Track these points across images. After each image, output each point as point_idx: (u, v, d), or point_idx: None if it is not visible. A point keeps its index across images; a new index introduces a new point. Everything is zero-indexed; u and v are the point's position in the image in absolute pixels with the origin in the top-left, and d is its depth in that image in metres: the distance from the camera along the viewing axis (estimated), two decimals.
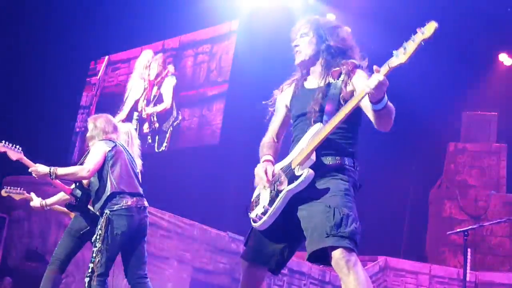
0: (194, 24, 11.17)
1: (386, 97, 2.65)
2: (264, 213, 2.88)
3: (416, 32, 2.50)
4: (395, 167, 9.97)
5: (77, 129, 12.56)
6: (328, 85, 2.95)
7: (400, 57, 2.53)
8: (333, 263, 2.67)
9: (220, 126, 10.21)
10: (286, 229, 2.89)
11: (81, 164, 4.49)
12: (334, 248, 2.65)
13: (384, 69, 2.57)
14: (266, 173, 2.90)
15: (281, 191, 2.84)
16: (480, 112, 10.32)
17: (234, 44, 10.57)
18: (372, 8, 9.31)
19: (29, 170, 4.36)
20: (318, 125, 2.86)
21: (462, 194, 9.81)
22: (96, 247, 4.19)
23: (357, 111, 2.90)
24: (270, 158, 3.03)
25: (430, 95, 9.29)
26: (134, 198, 4.39)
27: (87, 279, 4.17)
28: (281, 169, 2.92)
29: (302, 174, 2.77)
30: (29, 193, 5.12)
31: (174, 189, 9.63)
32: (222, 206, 9.81)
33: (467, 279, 5.66)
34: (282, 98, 3.18)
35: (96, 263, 4.15)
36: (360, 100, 2.66)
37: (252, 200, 3.04)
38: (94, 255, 4.18)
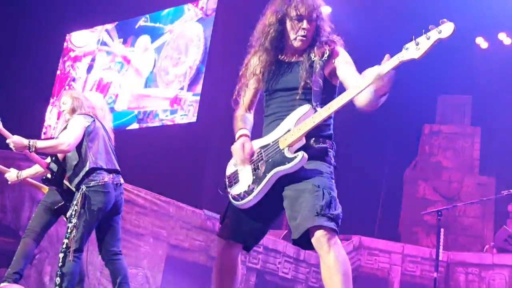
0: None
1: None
2: (249, 192, 2.85)
3: (429, 29, 2.47)
4: (371, 148, 10.05)
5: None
6: (312, 62, 2.92)
7: (412, 52, 2.50)
8: (314, 240, 2.68)
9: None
10: (264, 208, 2.88)
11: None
12: (319, 227, 2.66)
13: (393, 62, 2.54)
14: (243, 150, 2.87)
15: (269, 170, 2.81)
16: (455, 95, 10.43)
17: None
18: None
19: (7, 141, 4.27)
20: (307, 107, 2.83)
21: (436, 175, 9.96)
22: (71, 222, 4.14)
23: (334, 92, 2.93)
24: (246, 132, 2.98)
25: (407, 78, 9.31)
26: (111, 175, 4.37)
27: (61, 255, 4.13)
28: (261, 147, 2.89)
29: (296, 156, 2.74)
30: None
31: (150, 166, 9.59)
32: (199, 183, 9.82)
33: (440, 258, 5.76)
34: (253, 68, 3.08)
35: (72, 239, 4.12)
36: (361, 91, 2.62)
37: (228, 175, 3.00)
38: (69, 230, 4.13)
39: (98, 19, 11.98)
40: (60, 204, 4.62)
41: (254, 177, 2.86)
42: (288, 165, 2.76)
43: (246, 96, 3.13)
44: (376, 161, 10.42)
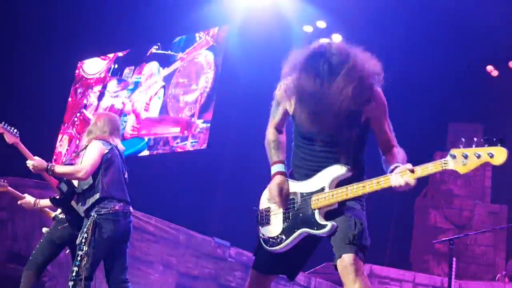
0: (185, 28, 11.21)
1: None
2: (278, 243, 2.90)
3: (482, 144, 2.43)
4: (382, 174, 10.01)
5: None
6: (350, 107, 2.70)
7: (458, 165, 2.46)
8: (340, 267, 2.68)
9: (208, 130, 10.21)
10: (298, 247, 2.90)
11: (71, 160, 4.46)
12: (349, 254, 2.67)
13: (436, 168, 2.52)
14: (281, 197, 2.86)
15: (298, 228, 2.83)
16: (466, 123, 10.41)
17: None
18: (364, 14, 9.37)
19: (28, 163, 4.29)
20: (343, 169, 2.80)
21: (447, 203, 9.88)
22: (82, 250, 4.14)
23: (367, 133, 2.92)
24: (283, 168, 2.93)
25: (418, 104, 9.36)
26: (121, 203, 4.36)
27: (71, 283, 4.11)
28: (295, 193, 2.89)
29: (326, 226, 2.75)
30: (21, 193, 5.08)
31: (160, 193, 9.60)
32: (209, 211, 9.80)
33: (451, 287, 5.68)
34: (286, 95, 2.89)
35: (82, 267, 4.11)
36: (387, 186, 2.68)
37: (261, 209, 3.02)
38: (79, 258, 4.12)
39: (109, 46, 12.12)
40: (67, 236, 4.61)
41: (284, 225, 2.88)
42: (316, 231, 2.79)
43: (275, 117, 3.05)
44: (387, 188, 10.37)
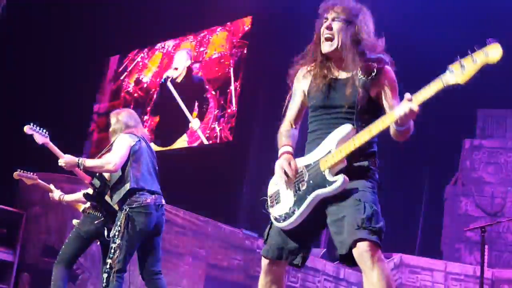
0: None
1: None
2: (290, 215, 2.83)
3: (475, 50, 2.39)
4: (411, 163, 9.90)
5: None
6: (358, 80, 2.83)
7: (457, 76, 2.43)
8: (357, 254, 2.64)
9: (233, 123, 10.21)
10: (306, 225, 2.85)
11: (101, 156, 4.53)
12: (362, 240, 2.62)
13: (438, 85, 2.48)
14: (290, 169, 2.83)
15: (310, 193, 2.78)
16: (496, 109, 10.22)
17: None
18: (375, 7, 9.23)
19: (59, 161, 4.36)
20: (348, 127, 2.78)
21: (478, 191, 9.73)
22: (115, 243, 4.21)
23: (380, 113, 2.85)
24: (290, 149, 2.93)
25: (445, 91, 9.20)
26: (153, 196, 4.40)
27: (105, 275, 4.19)
28: (305, 166, 2.86)
29: (336, 180, 2.71)
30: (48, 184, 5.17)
31: (188, 186, 9.64)
32: (237, 203, 9.81)
33: (484, 276, 5.60)
34: (299, 82, 3.03)
35: (115, 259, 4.17)
36: (391, 122, 2.63)
37: (269, 195, 2.98)
38: (112, 251, 4.20)
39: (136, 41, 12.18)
40: (95, 231, 4.67)
41: (295, 198, 2.83)
42: (328, 189, 2.73)
43: (291, 110, 3.08)
44: (416, 177, 10.26)
